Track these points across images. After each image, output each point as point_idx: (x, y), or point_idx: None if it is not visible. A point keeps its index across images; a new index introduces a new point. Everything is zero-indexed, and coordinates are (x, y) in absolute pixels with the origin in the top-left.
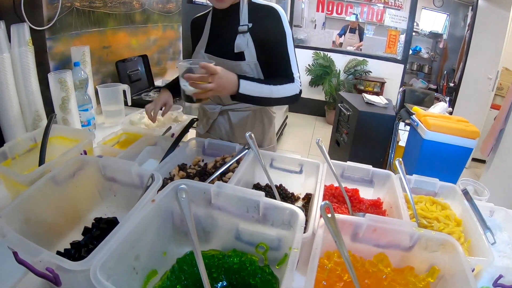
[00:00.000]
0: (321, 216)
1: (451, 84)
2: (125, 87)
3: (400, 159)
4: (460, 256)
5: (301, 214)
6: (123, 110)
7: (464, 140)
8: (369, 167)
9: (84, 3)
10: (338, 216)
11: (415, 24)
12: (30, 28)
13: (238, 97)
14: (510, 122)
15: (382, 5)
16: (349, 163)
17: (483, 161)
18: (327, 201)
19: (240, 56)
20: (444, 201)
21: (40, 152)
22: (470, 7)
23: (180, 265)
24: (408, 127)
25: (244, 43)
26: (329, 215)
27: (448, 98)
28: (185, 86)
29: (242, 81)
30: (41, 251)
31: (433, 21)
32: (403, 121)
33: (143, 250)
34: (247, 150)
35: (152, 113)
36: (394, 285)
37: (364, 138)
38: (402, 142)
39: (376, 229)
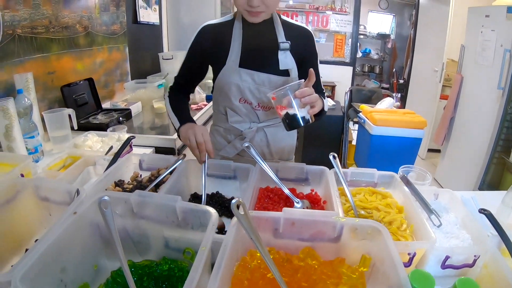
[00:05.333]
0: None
1: (401, 81)
2: (70, 111)
3: (335, 154)
4: (387, 241)
5: (214, 213)
6: (70, 135)
7: (412, 131)
8: (303, 165)
9: (26, 30)
10: (252, 212)
11: (362, 27)
12: None
13: (322, 113)
14: (459, 110)
15: (330, 12)
16: (281, 163)
17: (439, 151)
18: (239, 198)
19: (285, 73)
20: (385, 191)
21: None
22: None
23: (114, 278)
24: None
25: (288, 60)
26: (242, 212)
27: (399, 94)
28: (300, 111)
29: (321, 97)
30: None
31: (380, 23)
32: (351, 120)
33: (69, 262)
34: (180, 161)
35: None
36: (324, 278)
37: (315, 140)
38: (355, 141)
39: (294, 223)
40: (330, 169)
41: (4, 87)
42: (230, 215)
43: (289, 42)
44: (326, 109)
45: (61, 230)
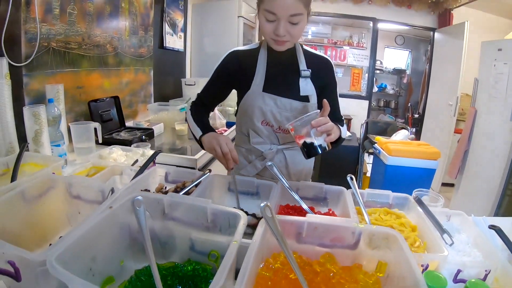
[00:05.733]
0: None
1: (416, 116)
2: (96, 125)
3: (352, 175)
4: (403, 246)
5: (243, 215)
6: (94, 147)
7: (425, 162)
8: (322, 184)
9: (60, 44)
10: (278, 216)
11: (379, 62)
12: (9, 63)
13: (339, 140)
14: (472, 142)
15: (348, 46)
16: (301, 182)
17: (452, 185)
18: (266, 202)
19: (305, 99)
20: (400, 212)
21: (12, 174)
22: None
23: (138, 276)
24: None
25: (308, 87)
26: (270, 215)
27: (414, 129)
28: (317, 139)
29: (338, 125)
30: (3, 244)
31: (396, 58)
32: (367, 151)
33: (99, 253)
34: (207, 175)
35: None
36: (343, 283)
37: (331, 170)
38: (370, 174)
39: (317, 227)
40: (348, 189)
41: (35, 95)
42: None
43: (310, 70)
44: (344, 135)
45: (95, 221)
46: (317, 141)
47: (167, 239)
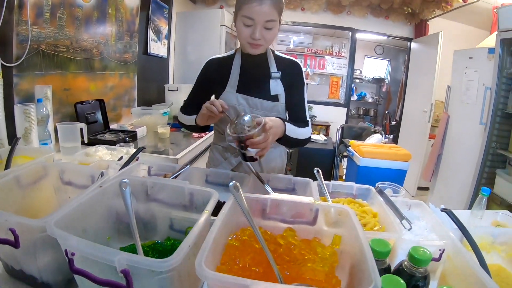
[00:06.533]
0: None
1: (393, 123)
2: (83, 125)
3: (318, 168)
4: (353, 219)
5: (214, 193)
6: (80, 147)
7: (397, 163)
8: (291, 176)
9: (50, 47)
10: (245, 194)
11: (358, 71)
12: (1, 63)
13: (283, 138)
14: (445, 146)
15: (329, 56)
16: (272, 174)
17: (428, 189)
18: (235, 182)
19: (275, 98)
20: (363, 202)
21: (5, 164)
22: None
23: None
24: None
25: (278, 87)
26: (237, 192)
27: (391, 136)
28: (248, 150)
29: (287, 124)
30: (7, 213)
31: (375, 67)
32: (341, 154)
33: (89, 226)
34: (187, 167)
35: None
36: (303, 254)
37: (307, 173)
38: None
39: (279, 204)
40: (314, 181)
41: (25, 95)
42: None
43: (280, 72)
44: (305, 137)
45: (87, 198)
46: (250, 152)
47: (150, 219)
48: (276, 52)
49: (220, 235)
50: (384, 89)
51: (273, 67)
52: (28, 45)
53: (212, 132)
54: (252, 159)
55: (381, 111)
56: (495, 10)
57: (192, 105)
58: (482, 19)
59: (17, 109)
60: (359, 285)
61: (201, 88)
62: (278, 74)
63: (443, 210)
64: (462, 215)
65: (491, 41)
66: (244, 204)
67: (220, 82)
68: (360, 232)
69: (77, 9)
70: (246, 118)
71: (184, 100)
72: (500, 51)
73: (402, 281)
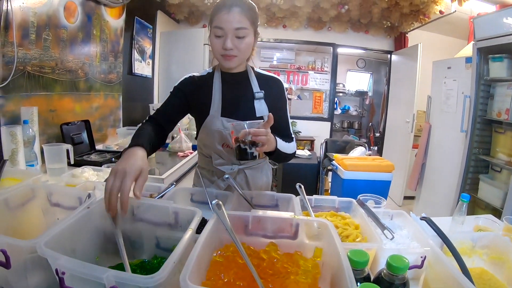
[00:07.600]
0: None
1: (377, 134)
2: (69, 146)
3: (300, 184)
4: (331, 232)
5: (198, 211)
6: (66, 168)
7: (380, 175)
8: (274, 193)
9: (35, 68)
10: (228, 212)
11: (341, 85)
12: None
13: (275, 152)
14: (429, 155)
15: (312, 71)
16: (256, 191)
17: (414, 198)
18: (218, 200)
19: (260, 119)
20: (346, 214)
21: None
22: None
23: None
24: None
25: (262, 107)
26: (220, 210)
27: (376, 147)
28: (250, 147)
29: (277, 138)
30: None
31: (358, 81)
32: (326, 168)
33: (78, 247)
34: (172, 187)
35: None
36: (286, 267)
37: (292, 189)
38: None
39: (260, 220)
40: (296, 196)
41: (11, 117)
42: None
43: (263, 91)
44: (292, 151)
45: (76, 219)
46: (250, 149)
47: (136, 239)
48: (256, 69)
49: (204, 252)
50: (367, 102)
51: (255, 87)
52: (14, 66)
53: (196, 152)
54: (252, 156)
55: (365, 124)
56: (471, 20)
57: (161, 116)
58: (459, 29)
59: (4, 130)
60: None
61: (175, 100)
62: (261, 94)
63: (422, 218)
64: (444, 222)
65: (468, 50)
66: (227, 221)
67: (201, 105)
68: (338, 244)
69: (62, 30)
70: (246, 124)
71: (157, 109)
72: (477, 60)
73: None
